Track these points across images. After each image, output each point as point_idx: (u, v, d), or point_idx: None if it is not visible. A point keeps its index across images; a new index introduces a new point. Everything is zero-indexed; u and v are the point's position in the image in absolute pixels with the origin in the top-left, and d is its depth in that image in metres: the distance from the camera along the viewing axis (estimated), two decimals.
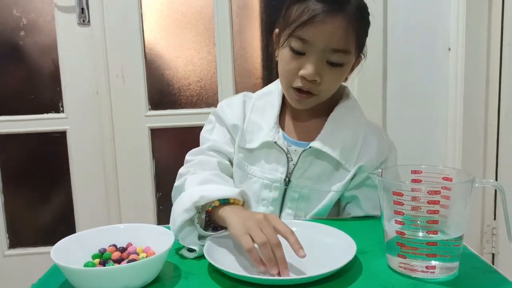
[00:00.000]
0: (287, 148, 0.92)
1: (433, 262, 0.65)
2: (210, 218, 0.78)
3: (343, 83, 0.97)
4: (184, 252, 0.75)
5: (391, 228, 0.66)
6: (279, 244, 0.66)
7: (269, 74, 1.76)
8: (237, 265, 0.70)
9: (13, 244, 1.80)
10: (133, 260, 0.67)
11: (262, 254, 0.66)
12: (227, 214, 0.74)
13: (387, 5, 1.65)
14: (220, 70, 1.72)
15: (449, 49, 1.69)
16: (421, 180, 0.69)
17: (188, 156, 0.98)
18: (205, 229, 0.77)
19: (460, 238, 0.66)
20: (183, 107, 1.75)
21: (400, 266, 0.67)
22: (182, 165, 0.97)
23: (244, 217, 0.71)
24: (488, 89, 1.68)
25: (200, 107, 1.75)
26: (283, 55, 0.89)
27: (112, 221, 1.73)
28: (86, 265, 0.67)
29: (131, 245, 0.73)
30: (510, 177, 1.64)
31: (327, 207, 0.93)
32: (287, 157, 0.92)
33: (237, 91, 1.71)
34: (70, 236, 0.71)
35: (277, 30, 0.92)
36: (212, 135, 0.98)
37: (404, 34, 1.68)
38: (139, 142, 1.73)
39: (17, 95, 1.72)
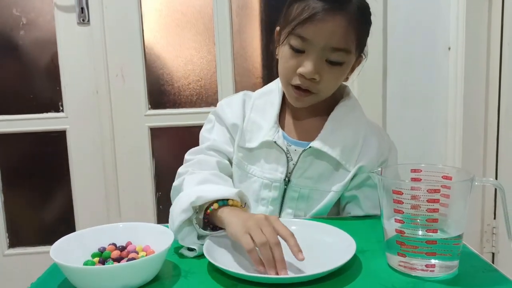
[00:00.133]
0: (286, 148, 0.92)
1: (433, 261, 0.65)
2: (209, 220, 0.78)
3: (344, 83, 0.97)
4: (184, 251, 0.75)
5: (390, 226, 0.66)
6: (278, 244, 0.66)
7: (269, 73, 1.75)
8: (237, 263, 0.70)
9: (13, 244, 1.80)
10: (133, 259, 0.67)
11: (261, 255, 0.66)
12: (225, 215, 0.73)
13: (387, 4, 1.65)
14: (220, 70, 1.72)
15: (449, 49, 1.69)
16: (420, 179, 0.69)
17: (187, 156, 0.97)
18: (204, 228, 0.77)
19: (460, 236, 0.66)
20: (183, 107, 1.75)
21: (399, 265, 0.67)
22: (182, 164, 0.96)
23: (244, 217, 0.71)
24: (488, 88, 1.68)
25: (200, 106, 1.75)
26: (283, 53, 0.89)
27: (112, 220, 1.73)
28: (85, 263, 0.67)
29: (131, 244, 0.73)
30: (510, 176, 1.64)
31: (327, 207, 0.93)
32: (287, 157, 0.92)
33: (237, 91, 1.71)
34: (69, 235, 0.71)
35: (278, 28, 0.92)
36: (211, 134, 0.98)
37: (404, 34, 1.68)
38: (139, 141, 1.73)
39: (16, 95, 1.72)
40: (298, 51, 0.85)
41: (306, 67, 0.84)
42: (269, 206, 0.93)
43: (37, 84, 1.73)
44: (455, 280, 0.65)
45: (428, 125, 1.74)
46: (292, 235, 0.68)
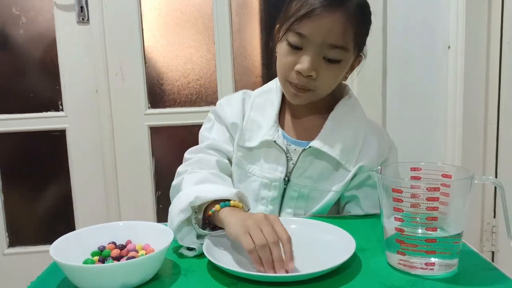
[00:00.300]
0: (286, 147, 0.92)
1: (433, 259, 0.65)
2: (209, 221, 0.78)
3: (344, 82, 0.97)
4: (183, 251, 0.75)
5: (390, 225, 0.66)
6: (277, 243, 0.66)
7: (269, 72, 1.75)
8: (237, 262, 0.70)
9: (12, 243, 1.80)
10: (132, 257, 0.67)
11: (261, 255, 0.66)
12: (225, 215, 0.73)
13: (386, 3, 1.65)
14: (219, 69, 1.72)
15: (449, 47, 1.69)
16: (420, 177, 0.69)
17: (187, 154, 0.97)
18: (203, 228, 0.77)
19: (459, 235, 0.66)
20: (182, 106, 1.75)
21: (399, 263, 0.67)
22: (182, 163, 0.96)
23: (243, 217, 0.71)
24: (487, 87, 1.68)
25: (199, 105, 1.75)
26: (281, 50, 0.88)
27: (111, 219, 1.73)
28: (85, 262, 0.67)
29: (130, 242, 0.73)
30: (509, 175, 1.64)
31: (326, 206, 0.93)
32: (287, 156, 0.92)
33: (236, 89, 1.71)
34: (69, 234, 0.71)
35: (277, 26, 0.92)
36: (211, 133, 0.98)
37: (404, 33, 1.68)
38: (138, 140, 1.73)
39: (16, 94, 1.72)
40: (295, 48, 0.85)
41: (303, 64, 0.84)
42: (268, 206, 0.93)
43: (37, 83, 1.72)
44: (454, 278, 0.65)
45: (427, 124, 1.74)
46: (289, 240, 0.67)
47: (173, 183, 0.92)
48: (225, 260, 0.70)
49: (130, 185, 1.75)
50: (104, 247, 0.71)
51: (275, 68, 0.92)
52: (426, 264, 0.65)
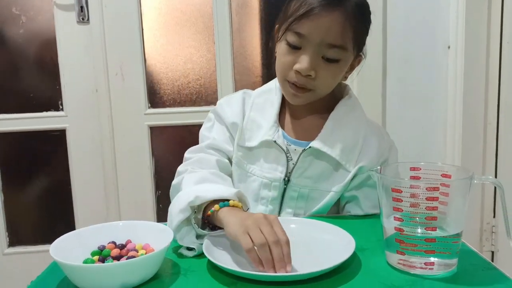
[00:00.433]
0: (286, 147, 0.92)
1: (432, 259, 0.65)
2: (209, 221, 0.78)
3: (344, 82, 0.97)
4: (183, 251, 0.75)
5: (390, 225, 0.66)
6: (277, 242, 0.66)
7: (269, 72, 1.75)
8: (236, 262, 0.70)
9: (12, 243, 1.80)
10: (132, 257, 0.67)
11: (260, 255, 0.66)
12: (224, 214, 0.73)
13: (386, 3, 1.65)
14: (219, 68, 1.72)
15: (449, 47, 1.69)
16: (420, 177, 0.69)
17: (187, 154, 0.97)
18: (203, 228, 0.77)
19: (459, 234, 0.66)
20: (182, 105, 1.75)
21: (399, 263, 0.67)
22: (182, 163, 0.96)
23: (243, 217, 0.71)
24: (487, 87, 1.68)
25: (199, 105, 1.75)
26: (280, 49, 0.88)
27: (111, 219, 1.73)
28: (85, 262, 0.67)
29: (130, 242, 0.73)
30: (509, 175, 1.64)
31: (326, 206, 0.93)
32: (287, 156, 0.92)
33: (236, 89, 1.71)
34: (69, 233, 0.71)
35: (277, 26, 0.92)
36: (211, 133, 0.98)
37: (404, 33, 1.68)
38: (138, 140, 1.73)
39: (16, 93, 1.72)
40: (294, 48, 0.85)
41: (302, 63, 0.84)
42: (268, 206, 0.93)
43: (37, 83, 1.73)
44: (454, 278, 0.65)
45: (427, 124, 1.74)
46: (288, 242, 0.67)
47: (173, 182, 0.92)
48: (225, 259, 0.70)
49: (130, 184, 1.75)
50: (104, 247, 0.71)
51: (274, 68, 0.92)
52: (425, 263, 0.65)
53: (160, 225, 0.74)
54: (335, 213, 0.97)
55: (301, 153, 0.90)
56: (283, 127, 0.95)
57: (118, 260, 0.68)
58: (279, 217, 0.86)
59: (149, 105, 1.74)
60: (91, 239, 0.72)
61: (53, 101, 1.72)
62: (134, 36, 1.68)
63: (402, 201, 0.64)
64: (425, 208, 0.63)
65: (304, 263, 0.68)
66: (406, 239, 0.65)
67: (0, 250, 1.78)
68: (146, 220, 0.77)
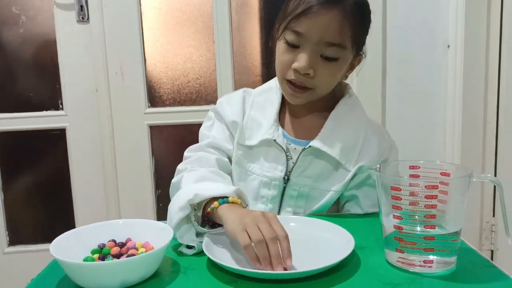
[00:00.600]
0: (286, 146, 0.92)
1: (431, 257, 0.65)
2: (208, 218, 0.78)
3: (344, 81, 0.97)
4: (183, 249, 0.75)
5: (389, 223, 0.67)
6: (274, 239, 0.66)
7: (268, 71, 1.76)
8: (236, 260, 0.70)
9: (12, 242, 1.80)
10: (132, 255, 0.67)
11: (257, 252, 0.66)
12: (223, 211, 0.73)
13: (386, 3, 1.65)
14: (219, 68, 1.72)
15: (448, 47, 1.69)
16: (419, 175, 0.69)
17: (186, 153, 0.97)
18: (203, 226, 0.77)
19: (458, 233, 0.66)
20: (182, 105, 1.76)
21: (398, 261, 0.67)
22: (182, 162, 0.96)
23: (241, 214, 0.71)
24: (487, 87, 1.68)
25: (199, 104, 1.76)
26: (279, 48, 0.88)
27: (111, 218, 1.72)
28: (85, 260, 0.67)
29: (130, 240, 0.73)
30: (508, 175, 1.65)
31: (326, 205, 0.93)
32: (286, 156, 0.92)
33: (236, 88, 1.71)
34: (69, 232, 0.71)
35: (277, 25, 0.92)
36: (211, 131, 0.98)
37: (403, 32, 1.68)
38: (138, 139, 1.73)
39: (16, 93, 1.72)
40: (293, 46, 0.85)
41: (300, 62, 0.84)
42: (268, 204, 0.93)
43: (37, 82, 1.73)
44: (453, 276, 0.65)
45: (427, 124, 1.74)
46: (286, 237, 0.67)
47: (173, 181, 0.92)
48: (225, 257, 0.70)
49: (130, 184, 1.75)
50: (104, 245, 0.71)
51: (274, 67, 0.92)
52: (424, 261, 0.65)
53: (160, 223, 0.74)
54: (334, 212, 0.97)
55: (301, 152, 0.90)
56: (283, 126, 0.95)
57: (118, 258, 0.68)
58: (278, 216, 0.86)
59: (149, 104, 1.74)
60: (91, 237, 0.72)
61: (53, 101, 1.72)
62: (134, 36, 1.68)
63: (401, 199, 0.64)
64: (424, 206, 0.63)
65: (304, 261, 0.68)
66: (405, 237, 0.65)
67: (0, 249, 1.78)
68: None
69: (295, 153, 0.91)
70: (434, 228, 0.64)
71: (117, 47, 1.67)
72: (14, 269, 1.78)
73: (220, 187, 0.79)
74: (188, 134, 1.75)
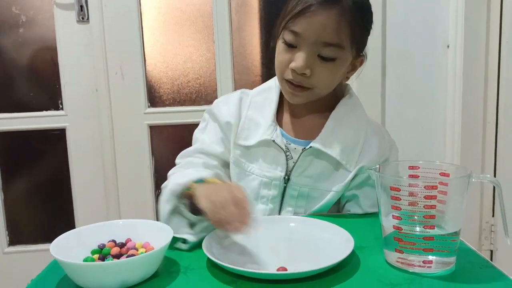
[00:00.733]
0: (286, 146, 0.92)
1: (430, 257, 0.65)
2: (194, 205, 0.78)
3: (345, 82, 0.97)
4: (179, 245, 0.75)
5: (388, 223, 0.67)
6: (235, 201, 0.69)
7: (268, 71, 1.76)
8: (236, 260, 0.70)
9: (12, 242, 1.80)
10: (132, 255, 0.67)
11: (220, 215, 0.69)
12: (199, 190, 0.74)
13: (386, 2, 1.65)
14: (219, 68, 1.72)
15: (448, 46, 1.69)
16: (418, 176, 0.70)
17: (177, 159, 0.99)
18: (195, 214, 0.76)
19: (457, 233, 0.66)
20: (182, 105, 1.76)
21: (397, 261, 0.67)
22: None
23: (212, 188, 0.74)
24: (486, 86, 1.68)
25: (199, 104, 1.76)
26: (278, 48, 0.89)
27: (111, 218, 1.73)
28: (85, 260, 0.67)
29: (130, 240, 0.73)
30: (508, 174, 1.65)
31: (327, 205, 0.93)
32: (286, 155, 0.92)
33: (236, 88, 1.71)
34: (69, 232, 0.71)
35: (277, 25, 0.92)
36: (203, 134, 0.99)
37: (403, 32, 1.68)
38: (138, 139, 1.73)
39: (16, 93, 1.72)
40: (290, 46, 0.85)
41: (297, 61, 0.84)
42: (268, 204, 0.93)
43: (37, 82, 1.73)
44: (452, 276, 0.65)
45: (427, 123, 1.74)
46: (246, 199, 0.70)
47: (162, 185, 0.92)
48: (225, 258, 0.70)
49: (130, 184, 1.75)
50: (104, 245, 0.71)
51: (274, 67, 0.92)
52: (423, 262, 0.65)
53: (160, 223, 0.74)
54: (335, 212, 0.97)
55: (301, 153, 0.90)
56: (282, 126, 0.95)
57: (118, 258, 0.68)
58: (279, 216, 0.87)
59: (149, 104, 1.74)
60: (91, 237, 0.72)
61: (53, 101, 1.73)
62: (134, 35, 1.68)
63: (400, 199, 0.64)
64: (424, 207, 0.63)
65: (303, 261, 0.68)
66: (405, 238, 0.65)
67: (0, 249, 1.78)
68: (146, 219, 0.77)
69: (295, 152, 0.91)
70: (433, 229, 0.64)
71: (117, 47, 1.67)
72: (14, 269, 1.78)
73: (200, 172, 0.80)
74: (188, 134, 1.74)
